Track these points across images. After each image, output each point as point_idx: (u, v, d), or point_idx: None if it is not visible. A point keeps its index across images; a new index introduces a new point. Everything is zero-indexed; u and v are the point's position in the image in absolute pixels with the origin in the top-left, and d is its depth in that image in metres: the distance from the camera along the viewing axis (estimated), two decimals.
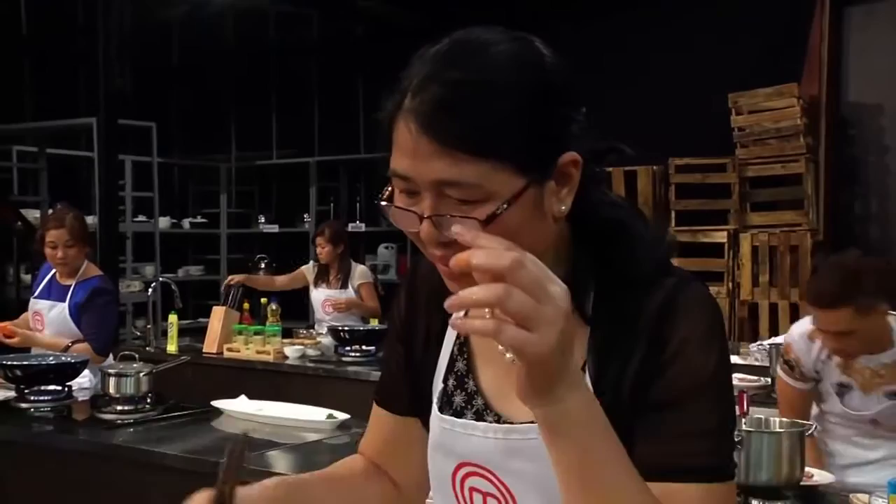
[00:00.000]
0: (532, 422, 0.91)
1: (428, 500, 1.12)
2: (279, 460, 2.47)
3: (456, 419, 0.98)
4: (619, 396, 0.88)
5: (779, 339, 3.83)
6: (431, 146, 0.82)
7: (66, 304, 3.59)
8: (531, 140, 0.84)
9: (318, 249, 5.13)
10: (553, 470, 0.84)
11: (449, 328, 1.01)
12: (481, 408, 0.98)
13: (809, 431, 1.94)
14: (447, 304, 0.77)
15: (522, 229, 0.84)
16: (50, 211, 4.24)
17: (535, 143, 0.84)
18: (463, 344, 1.01)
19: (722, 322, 0.93)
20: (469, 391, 0.99)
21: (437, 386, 1.02)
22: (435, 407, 1.01)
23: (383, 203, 0.88)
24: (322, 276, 5.16)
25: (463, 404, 0.99)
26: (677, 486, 0.85)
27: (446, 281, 0.89)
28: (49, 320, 3.62)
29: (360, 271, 5.14)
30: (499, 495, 0.95)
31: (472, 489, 0.98)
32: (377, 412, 1.13)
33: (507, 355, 0.92)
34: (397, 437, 1.11)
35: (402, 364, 1.09)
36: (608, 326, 0.91)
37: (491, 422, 0.96)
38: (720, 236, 5.66)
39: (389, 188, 0.88)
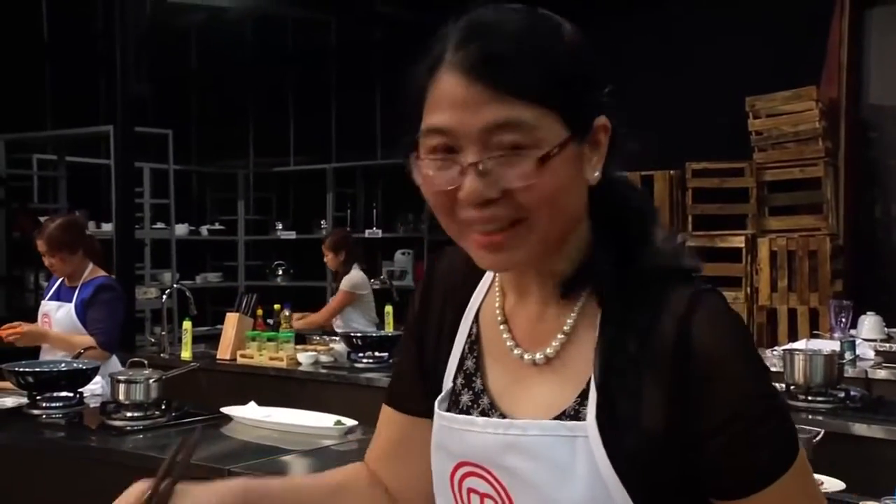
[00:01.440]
0: (533, 418, 0.90)
1: None
2: (286, 466, 2.46)
3: (455, 415, 0.96)
4: (644, 424, 0.86)
5: (796, 345, 3.78)
6: (486, 92, 0.82)
7: (72, 304, 3.65)
8: (574, 93, 0.85)
9: (325, 259, 5.29)
10: (551, 470, 0.84)
11: (461, 325, 1.00)
12: (487, 407, 0.96)
13: (817, 438, 1.90)
14: None
15: (566, 185, 0.85)
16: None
17: (577, 97, 0.86)
18: (474, 342, 0.99)
19: (746, 332, 0.91)
20: (476, 390, 0.97)
21: (447, 384, 0.99)
22: (437, 405, 0.99)
23: (418, 159, 0.86)
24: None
25: (469, 403, 0.97)
26: (762, 494, 0.86)
27: (481, 254, 0.87)
28: (56, 320, 3.69)
29: (347, 278, 5.13)
30: (496, 496, 0.93)
31: (470, 490, 0.95)
32: (387, 413, 1.10)
33: (515, 351, 0.94)
34: (407, 439, 1.07)
35: (415, 363, 1.06)
36: (619, 329, 0.88)
37: (492, 418, 0.95)
38: (738, 241, 5.60)
39: (415, 154, 0.86)
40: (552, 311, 0.93)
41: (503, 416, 0.94)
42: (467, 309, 1.00)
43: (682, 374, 0.84)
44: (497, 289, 0.98)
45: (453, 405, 0.99)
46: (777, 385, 3.23)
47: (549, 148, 0.83)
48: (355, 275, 5.18)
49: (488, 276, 1.00)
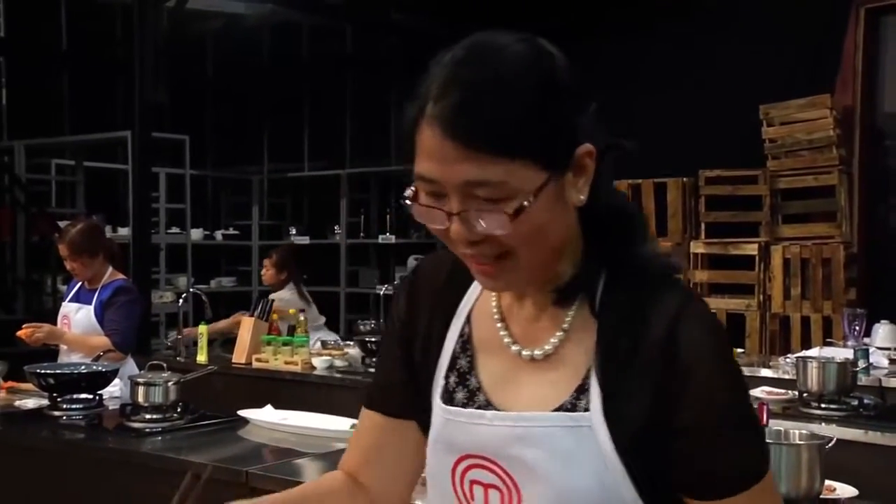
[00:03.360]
0: (531, 411, 0.95)
1: None
2: (303, 469, 2.49)
3: (461, 409, 0.99)
4: (637, 417, 0.91)
5: (809, 353, 3.78)
6: (457, 150, 0.86)
7: (91, 306, 3.71)
8: (549, 135, 0.88)
9: (263, 271, 5.34)
10: (559, 460, 0.90)
11: (452, 326, 1.04)
12: (483, 404, 0.99)
13: (830, 445, 1.92)
14: None
15: (547, 221, 0.90)
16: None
17: (553, 138, 0.88)
18: (466, 341, 1.03)
19: (726, 338, 0.96)
20: (471, 388, 1.00)
21: (439, 383, 1.02)
22: (439, 400, 1.01)
23: (408, 202, 0.92)
24: None
25: (465, 400, 1.00)
26: (721, 503, 0.91)
27: (480, 279, 0.95)
28: (75, 322, 3.75)
29: (277, 295, 5.04)
30: (501, 486, 0.96)
31: (472, 482, 0.98)
32: (367, 416, 1.12)
33: (513, 347, 0.98)
34: (386, 440, 1.09)
35: (399, 365, 1.08)
36: (615, 330, 0.93)
37: (500, 411, 0.98)
38: (751, 248, 5.60)
39: (413, 188, 0.92)
40: (549, 312, 0.98)
41: (499, 410, 0.98)
42: (458, 310, 1.04)
43: (667, 371, 0.90)
44: None
45: (448, 402, 1.02)
46: (789, 392, 3.25)
47: (523, 198, 0.87)
48: (285, 294, 5.14)
49: None
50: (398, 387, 1.08)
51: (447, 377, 1.02)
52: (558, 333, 0.96)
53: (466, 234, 0.89)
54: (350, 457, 1.13)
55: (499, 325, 1.00)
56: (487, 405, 0.99)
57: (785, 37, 5.73)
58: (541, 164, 0.88)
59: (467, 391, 1.00)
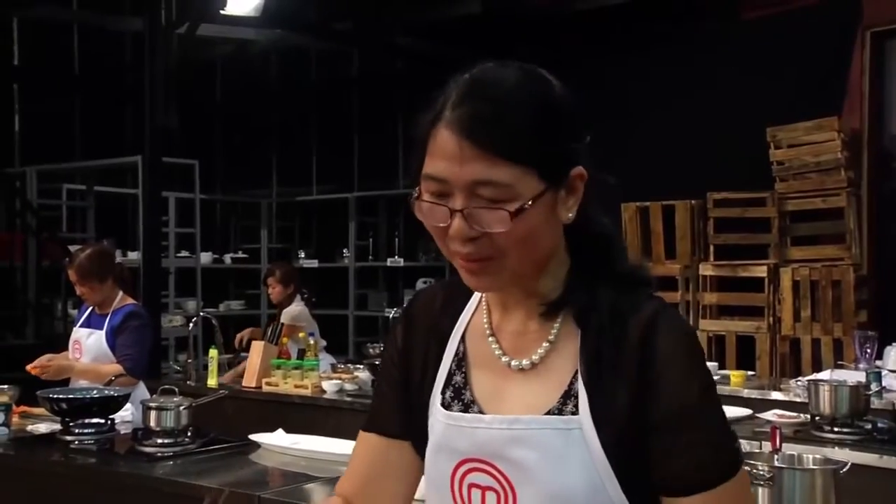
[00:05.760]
0: (535, 413, 1.02)
1: None
2: (314, 493, 2.49)
3: (463, 414, 1.06)
4: (619, 417, 0.98)
5: (821, 376, 3.77)
6: (473, 150, 0.95)
7: (103, 332, 3.71)
8: (550, 151, 0.99)
9: (269, 290, 5.32)
10: (551, 460, 0.97)
11: (448, 347, 1.11)
12: (477, 413, 1.06)
13: (844, 469, 1.90)
14: None
15: (539, 228, 0.99)
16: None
17: (553, 154, 0.99)
18: (461, 359, 1.10)
19: (698, 342, 1.04)
20: (465, 401, 1.07)
21: (436, 398, 1.09)
22: (440, 407, 1.08)
23: (417, 199, 1.00)
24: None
25: (461, 411, 1.07)
26: (689, 500, 0.97)
27: (465, 276, 1.03)
28: (87, 347, 3.75)
29: (287, 311, 5.09)
30: (498, 487, 1.02)
31: (471, 485, 1.04)
32: (364, 439, 1.17)
33: (503, 359, 1.06)
34: (385, 461, 1.14)
35: (397, 388, 1.15)
36: (597, 337, 1.01)
37: (497, 415, 1.04)
38: (760, 271, 5.60)
39: (417, 191, 1.00)
40: (535, 325, 1.06)
41: (496, 415, 1.05)
42: (453, 333, 1.12)
43: (642, 372, 0.98)
44: (484, 307, 1.11)
45: (448, 410, 1.08)
46: (802, 416, 3.23)
47: (523, 202, 0.97)
48: (296, 308, 5.19)
49: (473, 301, 1.13)
50: (397, 407, 1.14)
51: (444, 392, 1.09)
52: (545, 344, 1.04)
53: (466, 230, 0.97)
54: (347, 481, 1.18)
55: (490, 339, 1.08)
56: (481, 414, 1.06)
57: (792, 60, 5.76)
58: (540, 175, 0.97)
59: (462, 404, 1.08)
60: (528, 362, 1.04)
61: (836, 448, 2.85)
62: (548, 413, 1.01)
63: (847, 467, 1.95)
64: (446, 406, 1.08)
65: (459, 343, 1.10)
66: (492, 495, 1.02)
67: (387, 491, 1.14)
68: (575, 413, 0.99)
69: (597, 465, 0.98)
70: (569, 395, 1.01)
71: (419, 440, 1.11)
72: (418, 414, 1.10)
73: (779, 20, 5.88)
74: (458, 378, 1.09)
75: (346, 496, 1.17)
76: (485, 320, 1.09)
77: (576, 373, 1.01)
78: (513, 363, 1.05)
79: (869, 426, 3.01)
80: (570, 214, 1.01)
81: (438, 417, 1.07)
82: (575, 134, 1.01)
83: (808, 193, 5.57)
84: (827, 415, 3.01)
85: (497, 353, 1.06)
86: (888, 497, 2.75)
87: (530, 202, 0.96)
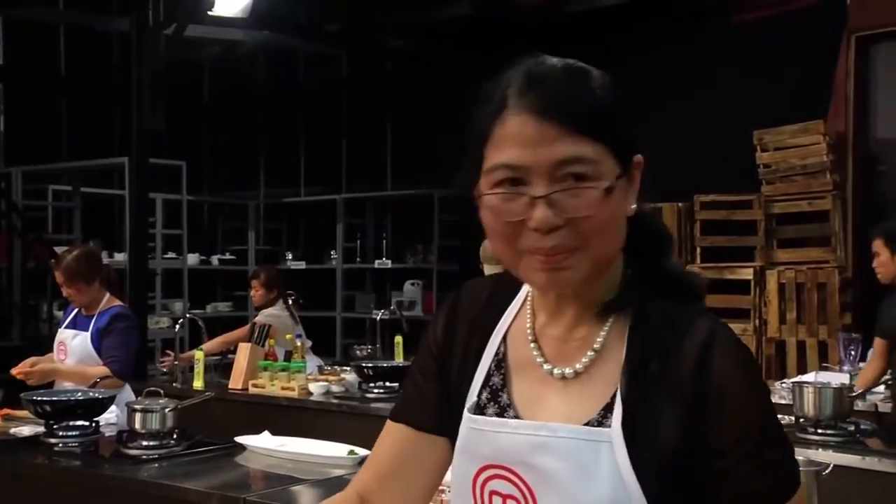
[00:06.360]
0: (563, 421, 0.98)
1: None
2: (301, 496, 2.48)
3: (487, 418, 1.02)
4: (666, 438, 0.94)
5: (805, 378, 3.79)
6: (555, 130, 0.92)
7: (88, 333, 3.69)
8: (621, 133, 0.96)
9: (252, 292, 5.29)
10: (576, 471, 0.93)
11: (489, 345, 1.07)
12: (512, 418, 1.02)
13: (826, 471, 1.92)
14: None
15: (620, 216, 0.96)
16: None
17: (623, 137, 0.96)
18: (501, 360, 1.06)
19: (754, 360, 1.01)
20: (502, 404, 1.03)
21: (471, 399, 1.05)
22: (466, 410, 1.04)
23: (487, 194, 0.95)
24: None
25: (496, 414, 1.03)
26: None
27: (539, 277, 0.95)
28: (72, 349, 3.73)
29: (266, 311, 5.06)
30: (519, 496, 0.98)
31: (492, 493, 1.00)
32: (391, 429, 1.12)
33: (545, 366, 1.01)
34: (410, 453, 1.10)
35: (434, 379, 1.10)
36: (645, 350, 0.96)
37: (523, 420, 1.01)
38: (746, 273, 5.63)
39: (477, 189, 0.96)
40: (581, 331, 1.01)
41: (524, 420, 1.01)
42: (495, 331, 1.07)
43: (700, 395, 0.93)
44: (529, 310, 1.06)
45: (477, 414, 1.04)
46: (786, 418, 3.25)
47: (609, 181, 0.93)
48: (274, 311, 5.13)
49: (518, 300, 1.08)
50: (430, 400, 1.10)
51: (480, 393, 1.05)
52: (589, 353, 1.00)
53: (552, 217, 0.92)
54: (369, 470, 1.13)
55: (532, 344, 1.03)
56: (517, 419, 1.02)
57: (778, 63, 5.79)
58: (617, 158, 0.94)
59: (498, 407, 1.04)
60: (570, 371, 1.00)
61: (820, 449, 2.87)
62: (587, 424, 0.96)
63: (829, 469, 1.97)
64: (481, 407, 1.04)
65: (501, 343, 1.06)
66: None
67: (413, 484, 1.10)
68: (610, 426, 0.95)
69: (625, 482, 0.93)
70: (610, 408, 0.96)
71: (454, 437, 1.06)
72: (454, 412, 1.06)
73: (765, 24, 5.91)
74: (496, 379, 1.05)
75: (366, 487, 1.11)
76: (528, 324, 1.05)
77: (614, 396, 0.97)
78: (555, 371, 1.01)
79: (852, 428, 3.03)
80: (633, 206, 0.98)
81: (464, 420, 1.04)
82: (634, 122, 0.99)
83: (794, 196, 5.60)
84: (811, 416, 3.03)
85: (539, 360, 1.02)
86: (869, 498, 2.77)
87: (616, 178, 0.93)
